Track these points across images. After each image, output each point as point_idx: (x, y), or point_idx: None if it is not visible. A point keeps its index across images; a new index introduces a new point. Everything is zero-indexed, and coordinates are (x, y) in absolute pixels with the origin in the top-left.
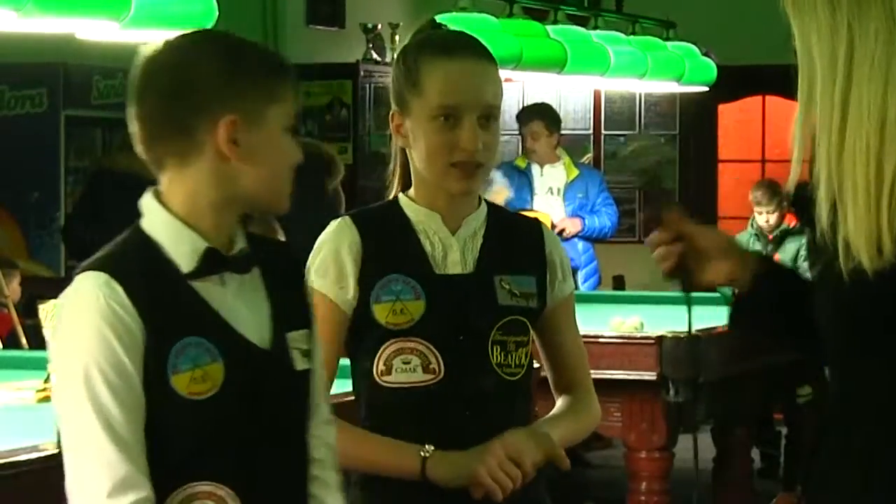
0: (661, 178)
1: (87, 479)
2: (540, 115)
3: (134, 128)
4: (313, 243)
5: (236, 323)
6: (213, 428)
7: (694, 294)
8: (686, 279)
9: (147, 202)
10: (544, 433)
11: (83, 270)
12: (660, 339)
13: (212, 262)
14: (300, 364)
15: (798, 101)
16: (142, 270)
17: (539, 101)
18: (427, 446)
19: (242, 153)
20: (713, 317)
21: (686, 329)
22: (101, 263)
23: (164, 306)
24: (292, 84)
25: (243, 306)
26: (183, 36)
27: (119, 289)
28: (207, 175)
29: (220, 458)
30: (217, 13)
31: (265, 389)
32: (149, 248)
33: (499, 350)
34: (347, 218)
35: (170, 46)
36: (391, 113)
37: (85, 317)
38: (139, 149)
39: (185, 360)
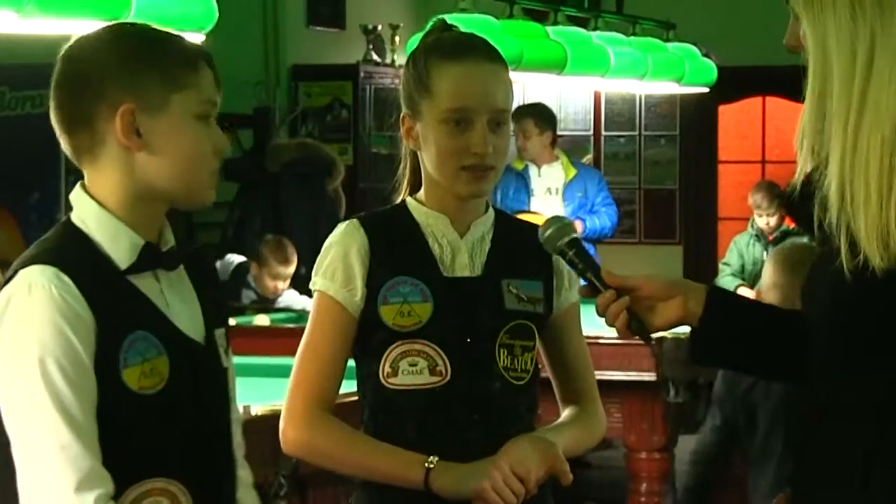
0: (562, 237)
1: (51, 475)
2: (530, 114)
3: (53, 123)
4: (314, 242)
5: (173, 317)
6: (162, 422)
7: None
8: (641, 330)
9: (76, 195)
10: (550, 443)
11: (25, 264)
12: (660, 339)
13: (148, 258)
14: (224, 360)
15: (807, 96)
16: (84, 265)
17: (534, 101)
18: (431, 457)
19: (145, 143)
20: None
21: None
22: (45, 257)
23: (110, 300)
24: (202, 70)
25: (177, 302)
26: (95, 30)
27: (69, 282)
28: (117, 168)
29: (169, 454)
30: (217, 14)
31: (203, 384)
32: (85, 242)
33: (506, 354)
34: (355, 220)
35: (77, 41)
36: (402, 116)
37: (38, 310)
38: (62, 144)
39: (134, 354)
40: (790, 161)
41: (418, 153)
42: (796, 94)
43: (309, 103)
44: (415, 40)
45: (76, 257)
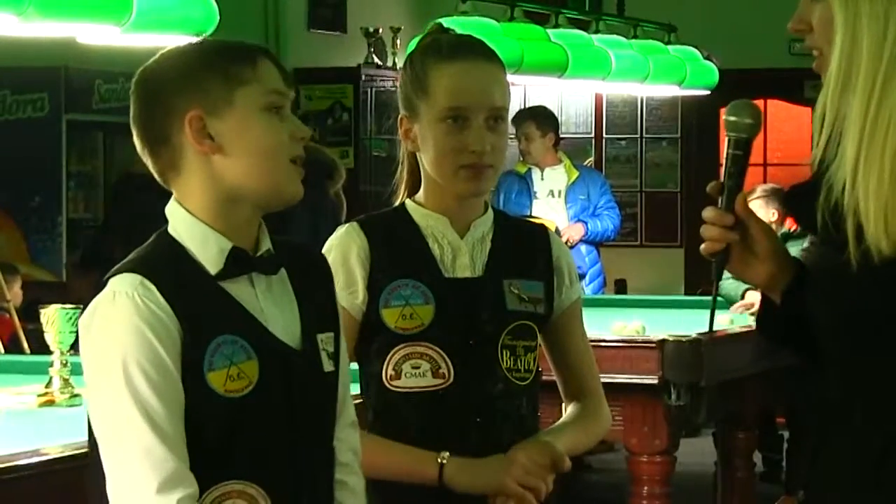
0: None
1: (134, 477)
2: (531, 117)
3: (137, 149)
4: (315, 246)
5: (267, 322)
6: (249, 426)
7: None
8: (720, 266)
9: (170, 207)
10: (547, 442)
11: (115, 274)
12: (661, 342)
13: (238, 263)
14: (327, 365)
15: (830, 76)
16: (172, 271)
17: (535, 104)
18: (443, 453)
19: (218, 146)
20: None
21: (707, 328)
22: (132, 266)
23: (197, 305)
24: (261, 63)
25: (273, 306)
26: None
27: (153, 288)
28: (199, 176)
29: (253, 457)
30: (218, 18)
31: (297, 389)
32: (176, 250)
33: (508, 354)
34: (355, 223)
35: (145, 64)
36: (400, 118)
37: (121, 316)
38: (149, 166)
39: (221, 357)
40: (792, 164)
41: (417, 155)
42: (798, 97)
43: (310, 106)
44: (415, 43)
45: (164, 265)
